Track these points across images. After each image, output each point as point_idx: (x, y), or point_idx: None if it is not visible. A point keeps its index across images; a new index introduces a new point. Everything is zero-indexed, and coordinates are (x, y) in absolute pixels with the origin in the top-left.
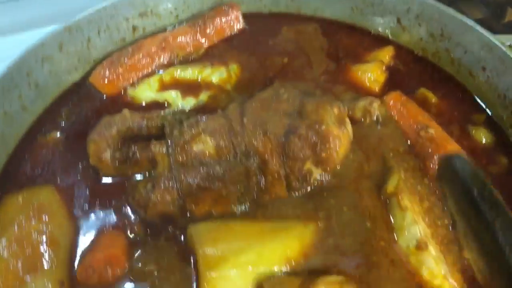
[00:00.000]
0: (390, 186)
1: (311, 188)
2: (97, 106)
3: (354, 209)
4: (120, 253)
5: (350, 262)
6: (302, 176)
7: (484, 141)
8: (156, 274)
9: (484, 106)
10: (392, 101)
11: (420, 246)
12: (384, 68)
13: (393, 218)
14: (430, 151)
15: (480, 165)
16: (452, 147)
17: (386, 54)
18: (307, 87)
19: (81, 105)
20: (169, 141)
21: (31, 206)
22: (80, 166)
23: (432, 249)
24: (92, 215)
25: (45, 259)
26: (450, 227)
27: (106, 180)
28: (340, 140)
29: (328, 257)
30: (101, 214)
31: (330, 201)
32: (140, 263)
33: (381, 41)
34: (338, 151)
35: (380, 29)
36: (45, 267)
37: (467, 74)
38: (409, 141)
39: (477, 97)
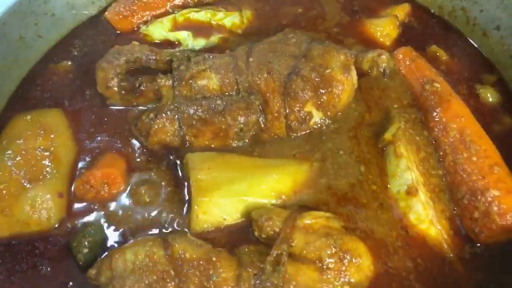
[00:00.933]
0: (388, 134)
1: (310, 130)
2: (110, 40)
3: (350, 154)
4: (118, 174)
5: (340, 201)
6: (302, 118)
7: (490, 100)
8: (150, 196)
9: (495, 67)
10: (401, 55)
11: (411, 191)
12: (397, 23)
13: (388, 165)
14: (433, 103)
15: (483, 123)
16: (456, 101)
17: (402, 11)
18: (318, 37)
19: (94, 38)
20: (175, 74)
21: (39, 124)
22: (88, 93)
23: (422, 195)
24: (96, 139)
25: (46, 171)
26: (443, 178)
27: (112, 108)
28: (343, 86)
29: (319, 195)
30: (105, 138)
31: (327, 144)
32: (136, 185)
33: None
34: (341, 96)
35: None
36: (46, 178)
37: (480, 34)
38: (413, 95)
39: (489, 57)
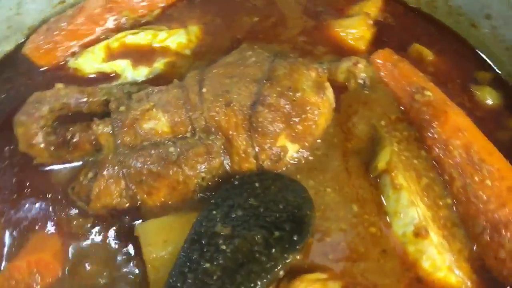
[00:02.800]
0: (381, 162)
1: (286, 167)
2: (33, 81)
3: (338, 191)
4: (50, 258)
5: (332, 254)
6: (275, 155)
7: (490, 103)
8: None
9: (489, 62)
10: (380, 60)
11: (420, 233)
12: (370, 22)
13: (385, 200)
14: (427, 117)
15: (486, 132)
16: (453, 111)
17: (373, 6)
18: (281, 49)
19: (13, 80)
20: (114, 118)
21: None
22: (7, 151)
23: (434, 236)
24: (21, 211)
25: None
26: (454, 207)
27: (42, 168)
28: (319, 109)
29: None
30: (33, 208)
31: (308, 182)
32: (77, 265)
33: None
34: (318, 122)
35: None
36: None
37: (468, 25)
38: (402, 107)
39: (481, 52)
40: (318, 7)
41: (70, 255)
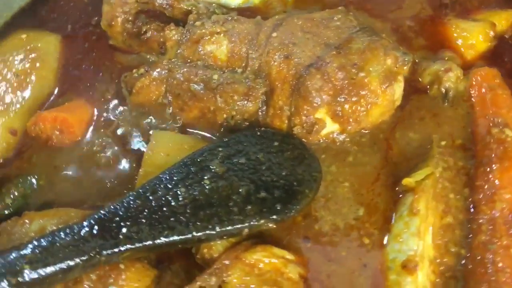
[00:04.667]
0: (412, 179)
1: (318, 141)
2: None
3: (355, 189)
4: (75, 123)
5: (313, 242)
6: (309, 124)
7: None
8: (103, 162)
9: None
10: (479, 78)
11: (408, 266)
12: (492, 34)
13: (396, 218)
14: (493, 156)
15: None
16: None
17: (505, 19)
18: (378, 27)
19: None
20: (186, 29)
21: (31, 47)
22: (93, 24)
23: (421, 276)
24: (81, 78)
25: (11, 101)
26: (464, 261)
27: (113, 48)
28: (376, 99)
29: (289, 228)
30: (89, 80)
31: (331, 166)
32: (93, 144)
33: (509, 1)
34: (370, 111)
35: None
36: (7, 109)
37: None
38: (474, 136)
39: None
40: (445, 0)
41: (92, 129)
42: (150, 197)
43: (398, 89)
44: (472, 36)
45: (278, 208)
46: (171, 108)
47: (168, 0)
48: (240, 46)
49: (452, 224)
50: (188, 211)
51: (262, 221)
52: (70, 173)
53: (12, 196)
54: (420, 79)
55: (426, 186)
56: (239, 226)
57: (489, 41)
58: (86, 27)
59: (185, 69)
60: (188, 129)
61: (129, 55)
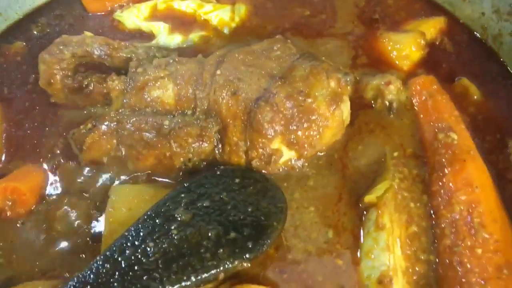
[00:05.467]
0: (373, 195)
1: (278, 170)
2: (78, 23)
3: (321, 212)
4: (26, 190)
5: (289, 275)
6: (266, 156)
7: None
8: (63, 226)
9: None
10: (418, 87)
11: (383, 281)
12: (422, 43)
13: (364, 235)
14: (443, 160)
15: (509, 198)
16: (473, 163)
17: (433, 26)
18: (315, 50)
19: (61, 18)
20: (129, 77)
21: None
22: (31, 83)
23: None
24: (26, 140)
25: None
26: (434, 266)
27: (57, 106)
28: (326, 122)
29: (263, 261)
30: (32, 137)
31: (294, 194)
32: (50, 209)
33: (434, 9)
34: (322, 134)
35: None
36: None
37: None
38: (422, 143)
39: None
40: (375, 15)
41: (46, 193)
42: (119, 259)
43: (345, 108)
44: (405, 47)
45: (250, 246)
46: (126, 159)
47: (105, 50)
48: (186, 88)
49: (417, 232)
50: (160, 266)
51: (236, 262)
52: (30, 244)
53: None
54: (364, 95)
55: (387, 200)
56: (214, 271)
57: (421, 50)
58: (24, 86)
59: (134, 118)
60: (147, 178)
61: (74, 110)
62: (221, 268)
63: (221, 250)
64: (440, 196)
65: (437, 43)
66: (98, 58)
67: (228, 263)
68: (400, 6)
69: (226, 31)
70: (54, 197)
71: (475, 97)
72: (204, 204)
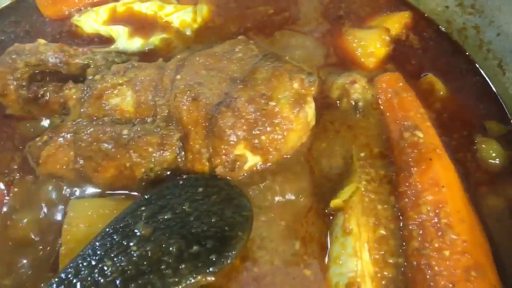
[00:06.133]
0: (339, 199)
1: (243, 177)
2: (35, 29)
3: (287, 221)
4: None
5: (254, 287)
6: (230, 162)
7: (493, 162)
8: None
9: (507, 114)
10: (384, 85)
11: (350, 287)
12: (387, 39)
13: (331, 241)
14: (409, 160)
15: (474, 195)
16: (440, 161)
17: (398, 21)
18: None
19: (18, 25)
20: (86, 85)
21: None
22: None
23: None
24: None
25: None
26: (403, 269)
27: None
28: (291, 124)
29: (229, 278)
30: None
31: (260, 201)
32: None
33: (398, 4)
34: (287, 137)
35: None
36: None
37: (495, 65)
38: (389, 143)
39: (501, 98)
40: (340, 11)
41: (3, 211)
42: (74, 280)
43: (310, 110)
44: (370, 44)
45: (214, 259)
46: (85, 172)
47: (61, 57)
48: (146, 95)
49: (386, 235)
50: (119, 286)
51: (199, 277)
52: None
53: None
54: (329, 95)
55: (354, 203)
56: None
57: (386, 46)
58: None
59: (92, 129)
60: (108, 191)
61: (30, 121)
62: (183, 284)
63: (183, 265)
64: (407, 197)
65: (403, 38)
66: (54, 66)
67: (190, 278)
68: (364, 1)
69: (188, 32)
70: (11, 213)
71: (441, 93)
72: (166, 217)
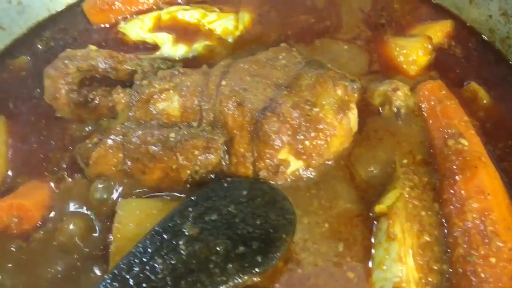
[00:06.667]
0: (383, 204)
1: (286, 182)
2: (82, 36)
3: (330, 224)
4: (31, 207)
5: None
6: (273, 166)
7: None
8: (69, 240)
9: None
10: (426, 92)
11: None
12: (429, 47)
13: (375, 245)
14: (454, 167)
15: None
16: (485, 170)
17: (440, 30)
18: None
19: (66, 31)
20: (134, 90)
21: None
22: (36, 98)
23: None
24: (31, 155)
25: None
26: (447, 276)
27: (62, 120)
28: (334, 130)
29: (270, 277)
30: (38, 153)
31: (303, 204)
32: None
33: (440, 13)
34: (330, 143)
35: None
36: None
37: None
38: (432, 150)
39: None
40: (381, 19)
41: (52, 209)
42: (127, 276)
43: (353, 116)
44: (412, 52)
45: (259, 260)
46: (132, 173)
47: (110, 63)
48: (192, 99)
49: (430, 241)
50: (169, 282)
51: (245, 277)
52: (35, 263)
53: None
54: (371, 102)
55: (398, 209)
56: (223, 287)
57: (428, 54)
58: (29, 100)
59: (140, 132)
60: (154, 191)
61: (80, 123)
62: (231, 283)
63: (230, 265)
64: (452, 204)
65: (445, 47)
66: (103, 71)
67: (237, 278)
68: (406, 10)
69: (230, 40)
70: (60, 213)
71: (485, 101)
72: (212, 218)
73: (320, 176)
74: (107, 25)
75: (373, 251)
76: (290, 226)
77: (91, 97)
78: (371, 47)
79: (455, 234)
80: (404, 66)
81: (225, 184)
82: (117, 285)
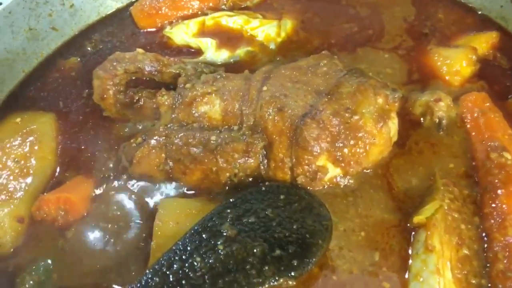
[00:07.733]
0: (422, 215)
1: (323, 188)
2: (129, 39)
3: (367, 233)
4: (77, 200)
5: None
6: (312, 173)
7: None
8: (112, 238)
9: None
10: (470, 104)
11: None
12: (474, 58)
13: (412, 256)
14: (496, 181)
15: None
16: None
17: (485, 41)
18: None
19: (114, 34)
20: (178, 93)
21: (27, 130)
22: (85, 98)
23: None
24: (79, 152)
25: (14, 189)
26: None
27: (109, 119)
28: (373, 139)
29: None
30: (85, 150)
31: (340, 211)
32: (99, 220)
33: (486, 23)
34: (369, 151)
35: (488, 8)
36: (12, 197)
37: None
38: (474, 162)
39: None
40: (425, 29)
41: (96, 204)
42: (167, 272)
43: (393, 125)
44: (455, 62)
45: (295, 264)
46: (173, 174)
47: (156, 66)
48: (233, 104)
49: (469, 255)
50: (207, 281)
51: (281, 280)
52: (81, 253)
53: (27, 285)
54: (412, 112)
55: (436, 221)
56: None
57: (472, 65)
58: (78, 100)
59: (182, 133)
60: (193, 192)
61: (125, 123)
62: (266, 285)
63: (266, 268)
64: (493, 218)
65: (490, 58)
66: (149, 74)
67: (273, 280)
68: (451, 20)
69: (272, 46)
70: (104, 208)
71: None
72: (250, 220)
73: (358, 184)
74: (153, 29)
75: (410, 262)
76: (326, 232)
77: (137, 98)
78: (412, 57)
79: (495, 248)
80: (447, 77)
81: (263, 188)
82: (157, 280)
